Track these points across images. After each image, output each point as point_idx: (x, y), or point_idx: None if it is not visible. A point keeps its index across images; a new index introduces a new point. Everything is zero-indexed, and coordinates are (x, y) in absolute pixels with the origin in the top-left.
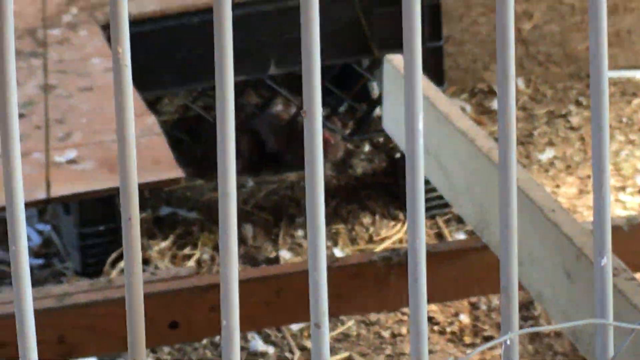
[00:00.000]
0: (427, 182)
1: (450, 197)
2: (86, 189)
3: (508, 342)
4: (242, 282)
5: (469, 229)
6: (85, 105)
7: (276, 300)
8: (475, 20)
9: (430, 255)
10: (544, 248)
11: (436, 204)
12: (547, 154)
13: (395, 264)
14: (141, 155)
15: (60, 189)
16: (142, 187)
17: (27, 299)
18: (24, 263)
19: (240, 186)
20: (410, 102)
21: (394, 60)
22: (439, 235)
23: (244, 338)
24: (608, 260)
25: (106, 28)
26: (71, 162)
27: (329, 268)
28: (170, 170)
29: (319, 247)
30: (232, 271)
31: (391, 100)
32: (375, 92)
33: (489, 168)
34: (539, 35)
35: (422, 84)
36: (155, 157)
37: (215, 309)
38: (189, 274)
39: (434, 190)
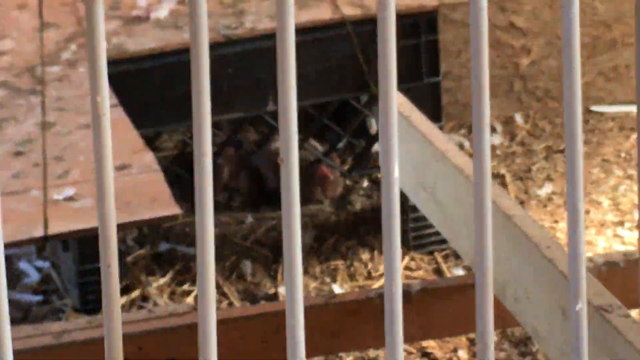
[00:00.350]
0: (424, 218)
1: (447, 233)
2: (84, 226)
3: None
4: (239, 320)
5: (468, 264)
6: (84, 142)
7: (274, 338)
8: None
9: (429, 291)
10: (539, 285)
11: (434, 240)
12: (546, 189)
13: None
14: (139, 192)
15: (57, 227)
16: (140, 224)
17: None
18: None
19: (239, 222)
20: (386, 150)
21: None
22: (438, 271)
23: None
24: (583, 305)
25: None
26: (69, 199)
27: (327, 305)
28: (167, 207)
29: (295, 294)
30: (210, 307)
31: None
32: (374, 128)
33: None
34: (537, 70)
35: (418, 120)
36: (153, 194)
37: None
38: (186, 310)
39: (432, 225)
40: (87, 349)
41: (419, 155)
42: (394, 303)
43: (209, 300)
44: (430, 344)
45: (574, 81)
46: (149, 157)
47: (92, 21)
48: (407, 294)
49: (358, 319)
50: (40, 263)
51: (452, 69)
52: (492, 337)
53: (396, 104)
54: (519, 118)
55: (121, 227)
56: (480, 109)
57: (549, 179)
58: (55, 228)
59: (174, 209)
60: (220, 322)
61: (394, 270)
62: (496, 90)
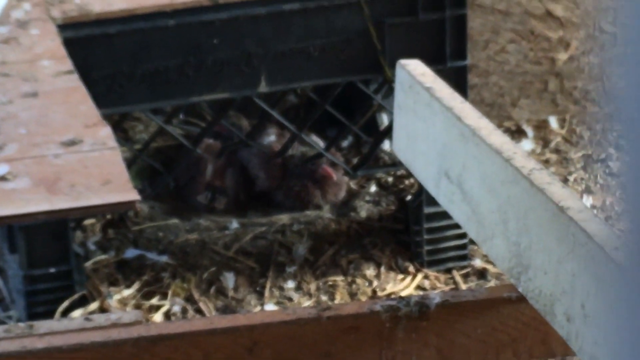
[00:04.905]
0: (446, 215)
1: (476, 234)
2: (16, 211)
3: None
4: (207, 334)
5: (495, 284)
6: (27, 113)
7: (248, 358)
8: (503, 48)
9: (451, 306)
10: (602, 299)
11: (453, 255)
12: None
13: (404, 316)
14: (89, 173)
15: None
16: (87, 212)
17: None
18: None
19: (222, 228)
20: None
21: (409, 66)
22: None
23: None
24: None
25: (63, 27)
26: (1, 179)
27: (318, 320)
28: (122, 191)
29: None
30: None
31: (404, 115)
32: (384, 124)
33: (530, 195)
34: (576, 68)
35: (443, 92)
36: (106, 176)
37: None
38: (135, 320)
39: (450, 238)
40: None
41: (443, 135)
42: None
43: None
44: None
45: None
46: (105, 132)
47: None
48: (423, 309)
49: (358, 337)
50: None
51: (479, 62)
52: None
53: None
54: (553, 122)
55: (63, 215)
56: None
57: (588, 191)
58: None
59: (130, 194)
60: (179, 337)
61: None
62: (528, 89)
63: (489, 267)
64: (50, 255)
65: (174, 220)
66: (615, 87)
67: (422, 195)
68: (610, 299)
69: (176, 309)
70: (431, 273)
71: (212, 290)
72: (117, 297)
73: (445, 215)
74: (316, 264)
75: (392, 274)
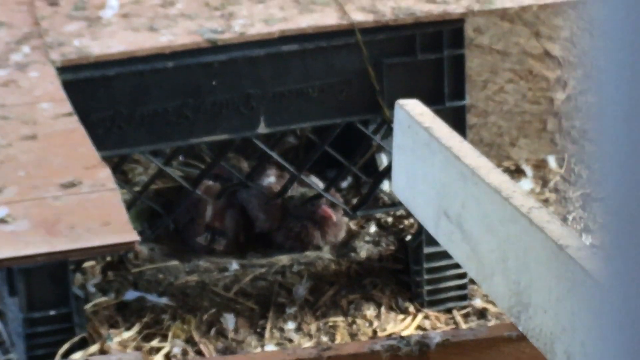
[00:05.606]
0: (446, 255)
1: (476, 273)
2: (15, 253)
3: None
4: None
5: (495, 324)
6: (26, 155)
7: None
8: (502, 88)
9: (451, 345)
10: (604, 337)
11: (453, 295)
12: (583, 241)
13: (405, 356)
14: (88, 214)
15: None
16: (86, 253)
17: None
18: None
19: (222, 269)
20: None
21: (407, 106)
22: None
23: None
24: None
25: (62, 70)
26: (0, 221)
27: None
28: (121, 232)
29: None
30: None
31: (403, 155)
32: (384, 164)
33: (529, 234)
34: (574, 107)
35: (442, 132)
36: (105, 217)
37: None
38: None
39: (450, 278)
40: None
41: (442, 174)
42: None
43: None
44: None
45: None
46: (104, 173)
47: None
48: (424, 349)
49: None
50: None
51: (477, 102)
52: None
53: None
54: (552, 161)
55: (63, 256)
56: None
57: (587, 229)
58: None
59: (130, 236)
60: None
61: None
62: (527, 129)
63: (489, 306)
64: (50, 298)
65: (174, 262)
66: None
67: (422, 235)
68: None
69: (176, 350)
70: (431, 313)
71: (213, 331)
72: (117, 339)
73: (445, 254)
74: (316, 304)
75: (392, 314)
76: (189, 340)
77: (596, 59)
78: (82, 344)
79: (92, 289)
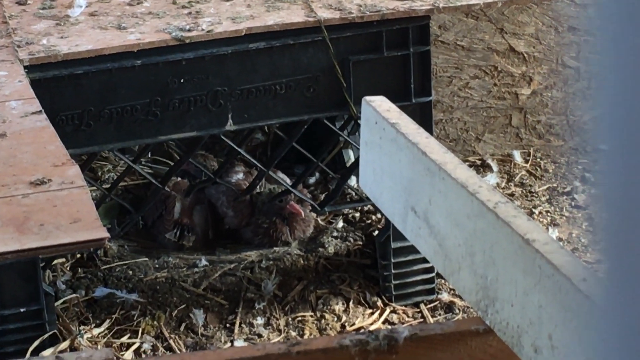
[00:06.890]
0: (413, 250)
1: (443, 267)
2: None
3: None
4: None
5: (462, 317)
6: None
7: None
8: (467, 84)
9: (419, 339)
10: (570, 330)
11: (421, 289)
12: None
13: (373, 350)
14: (58, 212)
15: None
16: (55, 251)
17: None
18: None
19: (191, 265)
20: None
21: (374, 102)
22: None
23: None
24: None
25: (31, 68)
26: None
27: (288, 355)
28: (91, 229)
29: None
30: None
31: (370, 151)
32: (351, 160)
33: (496, 229)
34: (539, 102)
35: (410, 128)
36: (75, 215)
37: None
38: (104, 358)
39: (417, 272)
40: None
41: (409, 170)
42: None
43: None
44: None
45: None
46: (73, 171)
47: None
48: (392, 343)
49: None
50: None
51: (443, 97)
52: None
53: None
54: (518, 156)
55: (32, 254)
56: None
57: (553, 224)
58: None
59: (100, 232)
60: None
61: None
62: (492, 124)
63: (457, 300)
64: (21, 295)
65: (143, 259)
66: (580, 121)
67: (389, 230)
68: (578, 329)
69: (146, 346)
70: (399, 307)
71: (182, 327)
72: (87, 335)
73: (412, 249)
74: (285, 299)
75: (360, 309)
76: (159, 336)
77: (596, 59)
78: (53, 341)
79: (62, 286)
